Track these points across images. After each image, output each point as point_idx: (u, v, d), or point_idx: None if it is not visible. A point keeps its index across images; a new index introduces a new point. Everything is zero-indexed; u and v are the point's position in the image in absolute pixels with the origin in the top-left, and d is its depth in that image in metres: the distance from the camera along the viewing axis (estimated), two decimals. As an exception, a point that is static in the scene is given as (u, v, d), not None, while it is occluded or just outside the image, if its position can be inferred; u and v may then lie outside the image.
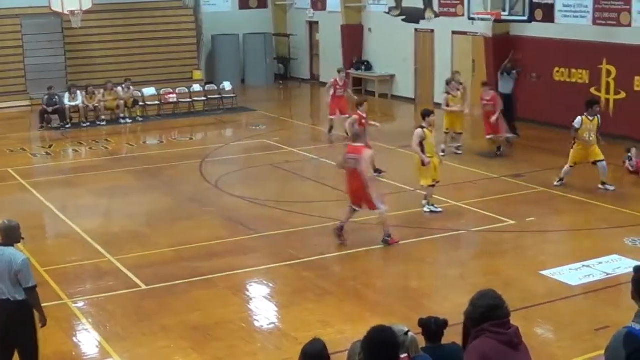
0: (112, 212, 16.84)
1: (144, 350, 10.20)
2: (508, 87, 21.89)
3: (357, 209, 13.73)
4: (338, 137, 21.94)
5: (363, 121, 17.93)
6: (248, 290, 12.27)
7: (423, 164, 15.12)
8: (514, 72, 21.88)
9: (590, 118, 16.41)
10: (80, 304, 11.60)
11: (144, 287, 12.16)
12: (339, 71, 23.29)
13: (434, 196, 15.61)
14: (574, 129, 16.40)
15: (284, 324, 10.95)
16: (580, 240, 14.40)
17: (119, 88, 26.39)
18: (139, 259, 13.34)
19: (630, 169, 17.94)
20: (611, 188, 16.58)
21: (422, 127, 15.23)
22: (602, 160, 16.47)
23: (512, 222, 14.79)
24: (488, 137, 20.09)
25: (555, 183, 16.89)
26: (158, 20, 31.07)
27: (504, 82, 21.96)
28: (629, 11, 20.80)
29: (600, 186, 16.61)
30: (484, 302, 5.47)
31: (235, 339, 10.32)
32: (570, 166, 16.72)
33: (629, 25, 20.86)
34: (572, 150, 16.69)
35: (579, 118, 16.39)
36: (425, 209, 15.42)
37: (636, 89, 20.76)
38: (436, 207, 15.44)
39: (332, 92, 22.66)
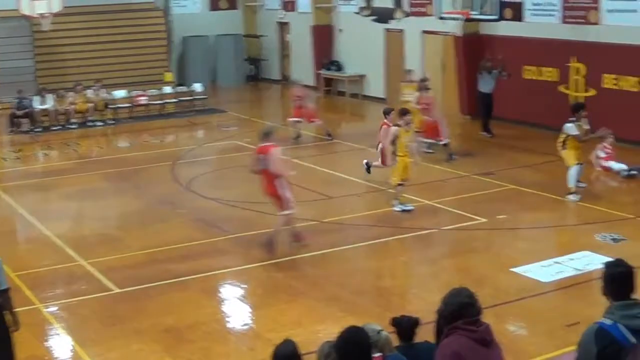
0: (84, 216, 16.72)
1: (117, 354, 10.15)
2: (488, 86, 21.96)
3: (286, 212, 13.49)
4: (305, 139, 21.92)
5: None
6: (221, 292, 12.27)
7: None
8: (495, 71, 21.92)
9: (579, 123, 16.22)
10: (53, 309, 11.52)
11: (116, 290, 12.11)
12: (293, 82, 23.00)
13: (405, 195, 15.66)
14: (574, 136, 15.86)
15: (257, 324, 10.95)
16: (551, 236, 14.51)
17: (90, 90, 26.26)
18: (112, 262, 13.27)
19: (602, 164, 18.08)
20: (582, 185, 16.65)
21: (399, 126, 15.39)
22: (582, 163, 16.43)
23: (483, 219, 14.85)
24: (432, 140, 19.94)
25: (580, 185, 16.31)
26: (128, 23, 30.88)
27: (483, 82, 22.00)
28: (597, 9, 20.97)
29: (571, 183, 16.69)
30: (456, 300, 5.51)
31: (209, 341, 10.30)
32: (580, 164, 16.06)
33: (598, 23, 21.03)
34: (565, 152, 16.04)
35: (571, 125, 15.86)
36: (396, 208, 15.46)
37: (605, 86, 20.92)
38: (407, 206, 15.48)
39: (294, 104, 22.60)
